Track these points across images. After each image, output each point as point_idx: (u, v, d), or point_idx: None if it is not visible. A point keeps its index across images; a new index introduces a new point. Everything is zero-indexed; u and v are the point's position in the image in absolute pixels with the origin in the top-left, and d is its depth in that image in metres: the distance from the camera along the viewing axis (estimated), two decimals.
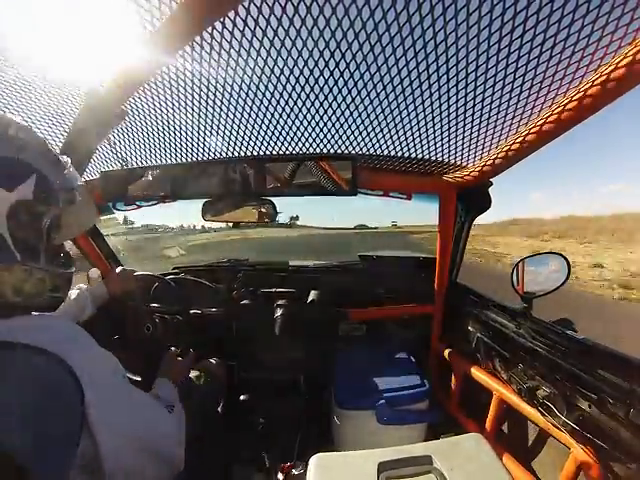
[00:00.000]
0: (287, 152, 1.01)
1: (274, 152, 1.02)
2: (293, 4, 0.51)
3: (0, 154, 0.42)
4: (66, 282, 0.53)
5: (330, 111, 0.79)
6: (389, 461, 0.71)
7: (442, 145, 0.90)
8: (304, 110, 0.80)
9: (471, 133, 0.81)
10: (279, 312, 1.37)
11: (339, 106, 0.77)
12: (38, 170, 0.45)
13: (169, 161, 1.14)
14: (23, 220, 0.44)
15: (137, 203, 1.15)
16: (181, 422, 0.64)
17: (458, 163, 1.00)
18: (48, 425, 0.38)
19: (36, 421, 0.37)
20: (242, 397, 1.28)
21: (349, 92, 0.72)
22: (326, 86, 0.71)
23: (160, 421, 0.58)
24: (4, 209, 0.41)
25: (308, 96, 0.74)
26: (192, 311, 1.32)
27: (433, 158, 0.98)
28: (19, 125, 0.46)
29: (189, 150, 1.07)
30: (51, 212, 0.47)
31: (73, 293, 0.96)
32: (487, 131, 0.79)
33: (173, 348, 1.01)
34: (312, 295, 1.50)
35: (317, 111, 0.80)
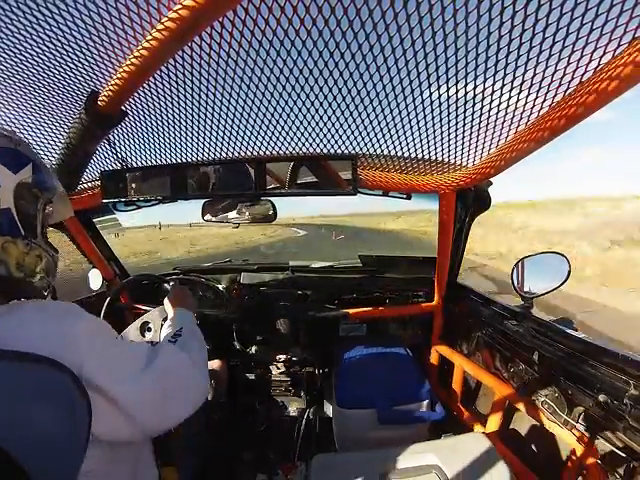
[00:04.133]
0: (287, 152, 1.01)
1: (274, 152, 1.02)
2: (291, 3, 0.51)
3: (3, 145, 0.49)
4: (54, 266, 0.58)
5: (330, 111, 0.79)
6: (390, 461, 0.71)
7: (442, 145, 0.90)
8: (304, 110, 0.80)
9: (471, 133, 0.81)
10: (279, 312, 1.37)
11: (339, 106, 0.77)
12: (33, 160, 0.53)
13: (169, 161, 1.14)
14: (25, 199, 0.50)
15: (137, 203, 1.15)
16: (191, 351, 0.65)
17: (458, 163, 1.00)
18: (54, 435, 0.38)
19: (40, 429, 0.37)
20: (243, 397, 1.29)
21: (349, 92, 0.72)
22: (326, 86, 0.71)
23: (180, 366, 0.59)
24: (12, 187, 0.48)
25: (308, 96, 0.74)
26: None
27: (433, 158, 0.98)
28: (9, 129, 0.56)
29: (189, 150, 1.07)
30: (44, 196, 0.55)
31: None
32: (487, 131, 0.79)
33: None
34: (312, 295, 1.51)
35: (317, 111, 0.80)
